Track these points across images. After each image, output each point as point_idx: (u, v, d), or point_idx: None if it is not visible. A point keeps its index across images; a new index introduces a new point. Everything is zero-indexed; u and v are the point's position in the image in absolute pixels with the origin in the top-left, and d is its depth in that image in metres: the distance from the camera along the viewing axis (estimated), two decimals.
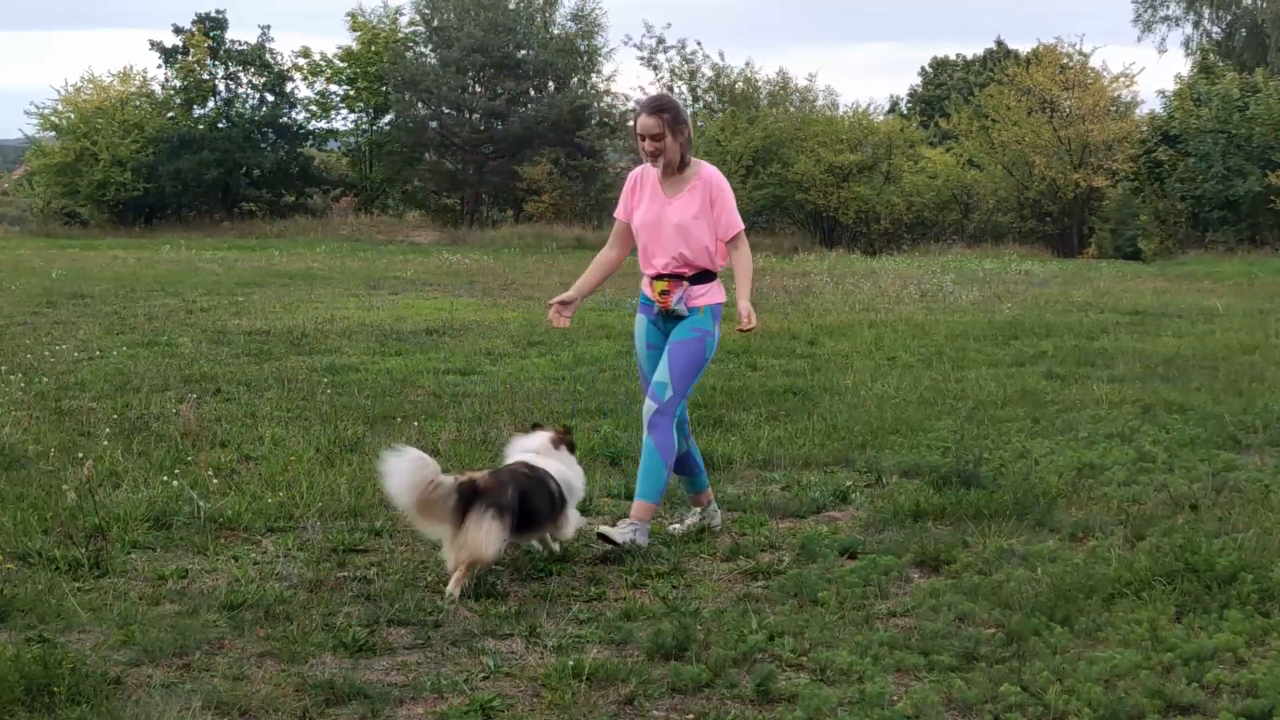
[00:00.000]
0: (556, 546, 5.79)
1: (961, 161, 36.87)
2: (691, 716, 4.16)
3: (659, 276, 5.98)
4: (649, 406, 5.99)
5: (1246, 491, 6.80)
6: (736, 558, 5.84)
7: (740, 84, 38.20)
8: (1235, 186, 30.66)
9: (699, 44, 59.53)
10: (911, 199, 35.92)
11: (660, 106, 5.98)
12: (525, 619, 4.97)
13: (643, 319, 6.15)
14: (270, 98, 41.06)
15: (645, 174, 6.10)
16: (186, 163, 38.20)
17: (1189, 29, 50.13)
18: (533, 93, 40.45)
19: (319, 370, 10.88)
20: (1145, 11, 50.07)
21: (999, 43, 50.18)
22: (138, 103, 39.53)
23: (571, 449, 5.97)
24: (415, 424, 8.39)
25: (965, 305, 17.17)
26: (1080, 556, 5.64)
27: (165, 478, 6.75)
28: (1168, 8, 49.96)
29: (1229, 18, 49.73)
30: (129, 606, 5.00)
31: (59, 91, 39.09)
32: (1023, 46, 48.13)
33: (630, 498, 6.80)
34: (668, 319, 6.04)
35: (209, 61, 40.28)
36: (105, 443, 7.64)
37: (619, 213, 6.18)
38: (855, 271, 23.50)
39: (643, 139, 5.92)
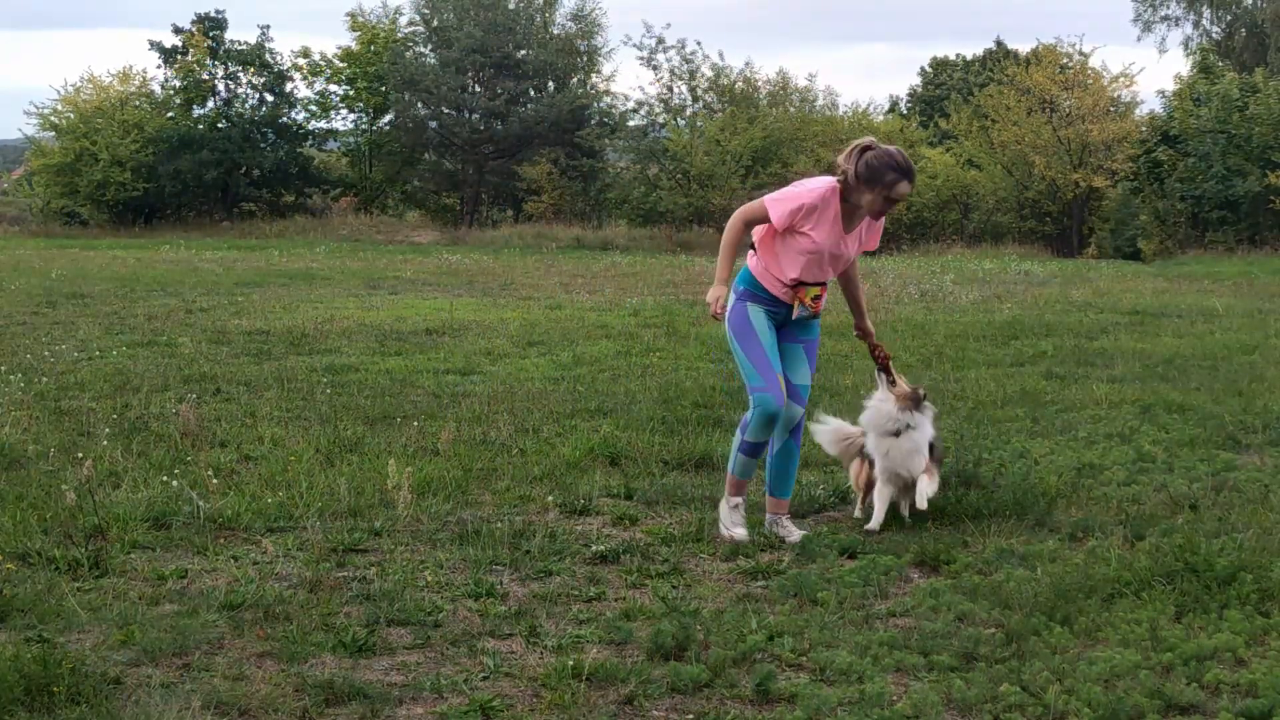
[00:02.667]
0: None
1: (961, 161, 36.90)
2: (691, 716, 4.16)
3: (811, 284, 6.07)
4: (797, 410, 6.20)
5: (1246, 491, 6.80)
6: (736, 558, 5.84)
7: (740, 84, 38.21)
8: (1235, 186, 30.66)
9: (699, 44, 59.80)
10: (911, 199, 35.91)
11: (913, 176, 5.95)
12: (525, 619, 4.97)
13: (760, 310, 6.12)
14: (270, 98, 41.10)
15: (830, 201, 5.96)
16: (186, 163, 38.23)
17: (1189, 29, 50.19)
18: (533, 93, 40.48)
19: (319, 370, 10.88)
20: (1145, 11, 50.11)
21: (999, 43, 50.26)
22: (137, 103, 39.57)
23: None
24: (415, 424, 8.39)
25: (965, 305, 17.17)
26: (1080, 556, 5.64)
27: (165, 478, 6.75)
28: (1168, 8, 49.99)
29: (1229, 18, 49.73)
30: (129, 606, 4.99)
31: (59, 91, 39.22)
32: (1022, 46, 48.24)
33: (630, 497, 6.82)
34: (793, 318, 6.15)
35: (208, 61, 40.30)
36: (105, 443, 7.64)
37: (779, 221, 5.95)
38: None
39: (891, 202, 5.90)
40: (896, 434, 6.18)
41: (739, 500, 6.21)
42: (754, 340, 6.08)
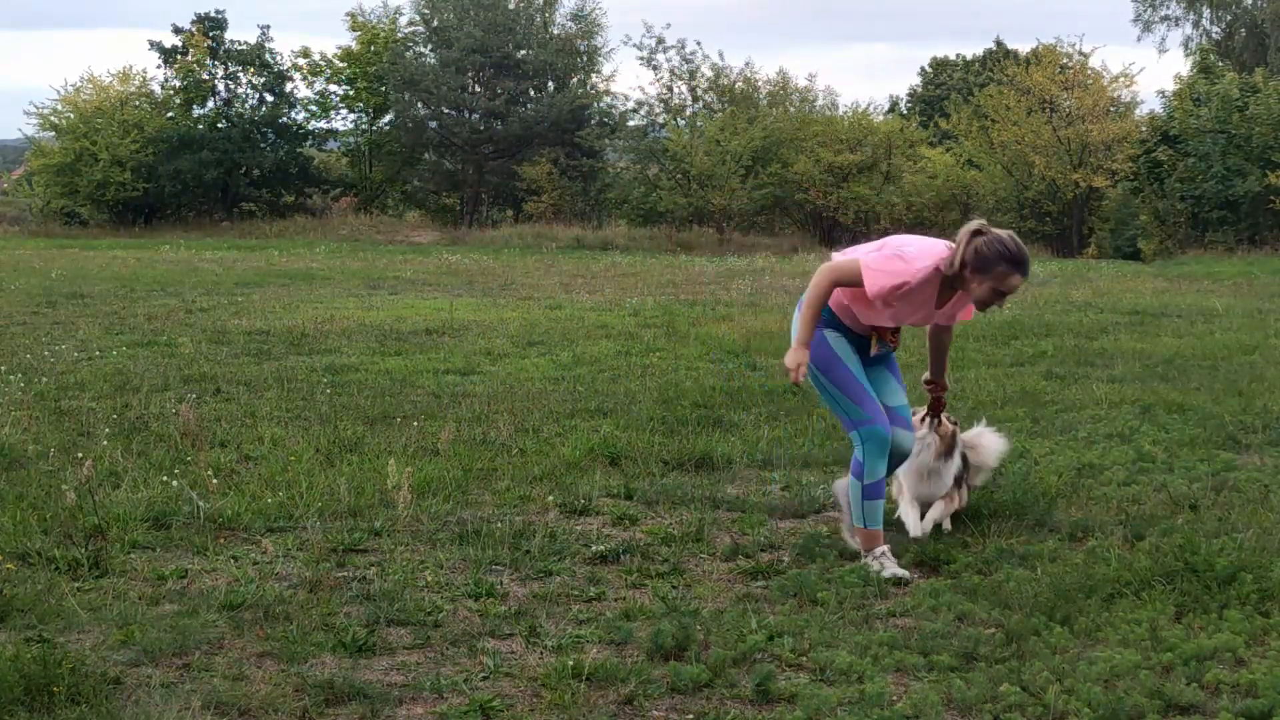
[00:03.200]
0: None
1: (961, 161, 36.92)
2: (691, 716, 4.16)
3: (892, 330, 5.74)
4: (907, 436, 5.82)
5: (1246, 491, 6.80)
6: (736, 558, 5.84)
7: (740, 84, 38.23)
8: (1235, 186, 30.67)
9: (699, 44, 59.87)
10: (911, 199, 35.97)
11: (1027, 267, 5.38)
12: (525, 619, 4.97)
13: (841, 337, 5.66)
14: (270, 98, 41.09)
15: (931, 282, 5.42)
16: (186, 163, 38.22)
17: (1189, 29, 50.21)
18: (533, 93, 40.49)
19: (319, 370, 10.88)
20: (1145, 11, 50.13)
21: (999, 43, 50.28)
22: (137, 103, 39.56)
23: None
24: (415, 424, 8.39)
25: None
26: (1080, 556, 5.64)
27: (165, 478, 6.75)
28: (1168, 8, 50.01)
29: (1229, 18, 49.75)
30: (129, 606, 5.00)
31: (59, 91, 39.18)
32: (1022, 46, 48.26)
33: (630, 497, 6.82)
34: (871, 354, 5.75)
35: (208, 61, 40.30)
36: (105, 443, 7.64)
37: (875, 295, 5.39)
38: None
39: (1001, 295, 5.35)
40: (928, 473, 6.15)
41: (884, 549, 5.63)
42: (845, 370, 5.58)
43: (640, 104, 39.28)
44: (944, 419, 6.18)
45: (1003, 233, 5.33)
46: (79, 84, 39.17)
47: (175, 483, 6.60)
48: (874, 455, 5.57)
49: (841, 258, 5.57)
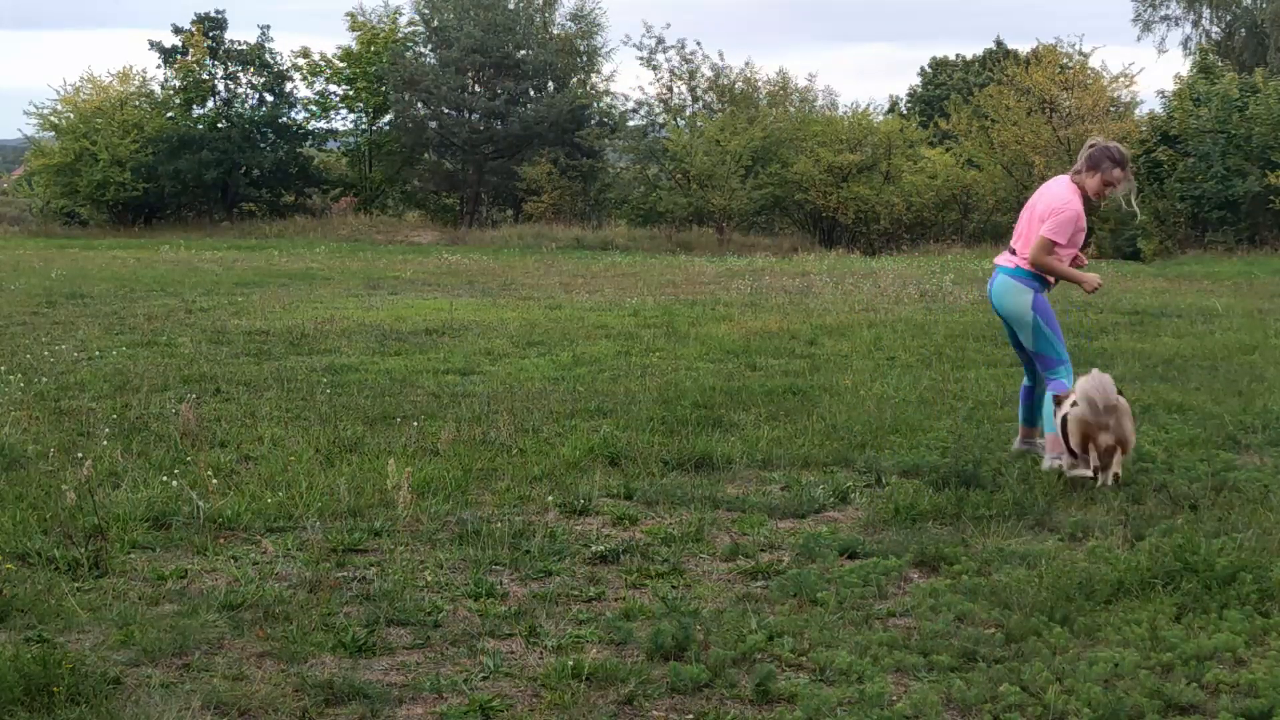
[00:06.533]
0: None
1: (961, 161, 36.88)
2: (691, 716, 4.17)
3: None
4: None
5: (1246, 491, 6.81)
6: (736, 558, 5.84)
7: (740, 84, 38.19)
8: (1235, 186, 30.64)
9: (699, 44, 59.73)
10: (911, 199, 35.92)
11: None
12: (525, 619, 4.97)
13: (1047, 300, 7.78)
14: (270, 98, 41.07)
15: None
16: (186, 163, 38.21)
17: (1189, 29, 50.24)
18: (532, 93, 40.47)
19: (319, 370, 10.88)
20: (1145, 11, 50.16)
21: (998, 43, 50.21)
22: (137, 103, 39.55)
23: None
24: (415, 424, 8.39)
25: (965, 305, 17.16)
26: (1080, 556, 5.64)
27: (165, 478, 6.75)
28: (1168, 8, 50.04)
29: (1229, 18, 49.77)
30: (128, 606, 5.00)
31: (58, 91, 39.15)
32: (1022, 47, 48.25)
33: (630, 498, 6.83)
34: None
35: (208, 61, 40.30)
36: (105, 443, 7.64)
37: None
38: (855, 271, 23.50)
39: (1110, 186, 7.50)
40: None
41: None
42: (1056, 322, 7.84)
43: (640, 104, 39.28)
44: None
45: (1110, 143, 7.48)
46: (79, 84, 39.20)
47: (175, 483, 6.60)
48: (1069, 377, 7.47)
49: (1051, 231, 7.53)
